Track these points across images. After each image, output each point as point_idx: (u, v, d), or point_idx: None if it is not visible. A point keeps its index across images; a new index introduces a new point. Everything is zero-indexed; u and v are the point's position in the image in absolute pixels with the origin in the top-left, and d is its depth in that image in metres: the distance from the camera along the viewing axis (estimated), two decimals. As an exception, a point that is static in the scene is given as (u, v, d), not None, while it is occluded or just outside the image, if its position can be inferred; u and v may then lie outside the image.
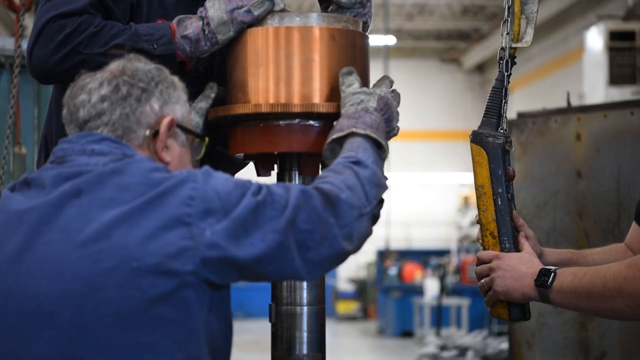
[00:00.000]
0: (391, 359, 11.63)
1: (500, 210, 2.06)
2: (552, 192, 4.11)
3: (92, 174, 1.64)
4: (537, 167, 4.16)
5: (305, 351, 2.07)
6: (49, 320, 1.57)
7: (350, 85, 1.98)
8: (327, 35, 2.04)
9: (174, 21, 2.10)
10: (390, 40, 15.73)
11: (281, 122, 2.03)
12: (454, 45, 18.73)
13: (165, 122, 1.72)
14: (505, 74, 2.11)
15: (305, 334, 2.07)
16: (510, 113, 5.60)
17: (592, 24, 9.28)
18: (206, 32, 2.06)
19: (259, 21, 2.05)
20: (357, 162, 1.84)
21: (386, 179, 1.91)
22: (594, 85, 9.04)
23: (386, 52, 14.67)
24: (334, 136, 1.91)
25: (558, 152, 4.10)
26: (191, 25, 2.08)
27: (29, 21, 5.30)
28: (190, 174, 1.65)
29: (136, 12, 2.17)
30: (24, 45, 4.06)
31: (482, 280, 2.05)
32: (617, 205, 3.85)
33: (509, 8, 2.10)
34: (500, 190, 2.06)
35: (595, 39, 8.99)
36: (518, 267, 2.01)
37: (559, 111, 4.18)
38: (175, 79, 1.79)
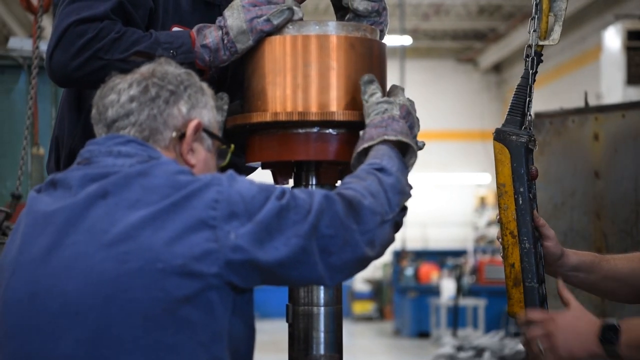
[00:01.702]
0: (407, 360, 11.61)
1: (521, 209, 2.03)
2: (570, 192, 4.09)
3: (118, 175, 1.66)
4: (555, 167, 4.14)
5: (322, 351, 2.07)
6: (75, 319, 1.59)
7: (373, 94, 1.98)
8: (346, 44, 2.04)
9: (194, 30, 2.10)
10: (407, 40, 15.70)
11: (299, 131, 2.03)
12: (470, 45, 18.67)
13: (192, 125, 1.74)
14: (531, 71, 2.08)
15: (322, 334, 2.07)
16: (528, 113, 5.50)
17: (610, 23, 9.23)
18: (225, 41, 2.06)
19: (277, 30, 2.06)
20: (381, 169, 1.84)
21: (411, 187, 1.91)
22: (611, 84, 8.99)
23: (402, 53, 14.64)
24: (365, 145, 1.92)
25: (575, 152, 4.08)
26: (210, 35, 2.08)
27: (46, 22, 5.34)
28: (215, 178, 1.66)
29: (152, 18, 2.18)
30: (42, 46, 4.09)
31: (540, 346, 1.95)
32: (635, 205, 3.82)
33: (537, 5, 2.07)
34: (522, 189, 2.03)
35: (612, 39, 8.94)
36: (577, 326, 1.94)
37: (576, 111, 4.15)
38: (204, 84, 1.81)
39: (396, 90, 2.04)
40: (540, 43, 2.08)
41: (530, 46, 2.09)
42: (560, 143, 4.13)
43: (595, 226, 3.99)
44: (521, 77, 2.11)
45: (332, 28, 2.05)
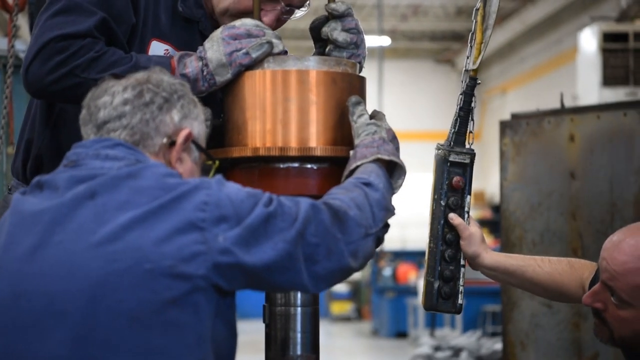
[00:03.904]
0: (385, 360, 11.63)
1: (433, 214, 2.28)
2: (546, 192, 4.12)
3: (106, 176, 1.66)
4: (531, 168, 4.17)
5: (299, 352, 2.07)
6: (61, 319, 1.58)
7: (361, 115, 2.01)
8: (327, 79, 2.05)
9: (175, 57, 2.09)
10: (385, 41, 15.74)
11: (280, 165, 2.04)
12: (449, 46, 18.75)
13: (183, 134, 1.75)
14: (459, 95, 2.27)
15: (299, 335, 2.07)
16: (505, 114, 5.59)
17: (586, 25, 9.30)
18: (205, 72, 2.06)
19: (258, 63, 2.05)
20: (368, 184, 1.88)
21: (394, 207, 1.96)
22: (587, 86, 9.06)
23: (381, 53, 14.68)
24: (358, 163, 1.94)
25: (552, 153, 4.11)
26: (191, 64, 2.07)
27: (22, 21, 5.29)
28: (204, 181, 1.67)
29: (132, 31, 2.17)
30: (18, 45, 4.05)
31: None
32: (611, 206, 3.86)
33: (472, 35, 2.24)
34: (435, 197, 2.28)
35: (588, 40, 9.01)
36: None
37: (552, 112, 4.19)
38: (196, 98, 1.82)
39: (379, 114, 2.07)
40: (469, 68, 2.26)
41: (467, 71, 2.27)
42: (537, 144, 4.16)
43: (572, 226, 4.02)
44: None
45: (313, 63, 2.05)
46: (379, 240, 1.88)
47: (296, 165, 2.04)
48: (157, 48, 2.20)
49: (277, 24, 2.23)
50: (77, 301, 1.58)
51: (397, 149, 2.03)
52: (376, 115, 2.06)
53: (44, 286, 1.60)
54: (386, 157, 1.95)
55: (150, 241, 1.59)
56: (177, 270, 1.59)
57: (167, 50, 2.21)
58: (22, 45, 4.50)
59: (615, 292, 2.10)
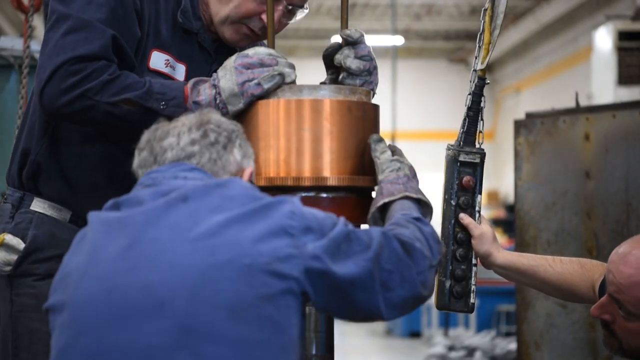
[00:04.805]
0: (399, 360, 11.62)
1: (444, 214, 2.29)
2: (561, 192, 4.11)
3: (197, 184, 1.70)
4: (546, 167, 4.16)
5: (314, 351, 2.07)
6: (160, 310, 1.60)
7: (384, 152, 2.04)
8: (343, 108, 2.05)
9: (189, 84, 2.11)
10: (398, 40, 15.71)
11: (297, 195, 2.03)
12: (462, 46, 18.71)
13: (248, 172, 1.81)
14: (467, 95, 2.29)
15: (313, 335, 2.08)
16: (519, 113, 5.56)
17: (601, 23, 9.25)
18: (217, 101, 2.07)
19: (272, 92, 2.06)
20: (417, 219, 1.91)
21: None
22: (602, 85, 9.01)
23: (394, 53, 14.65)
24: (386, 200, 1.97)
25: (566, 152, 4.09)
26: (204, 92, 2.08)
27: (37, 22, 5.32)
28: (286, 197, 1.72)
29: (137, 43, 2.19)
30: (33, 45, 4.07)
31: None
32: (626, 205, 3.84)
33: (480, 35, 2.27)
34: (446, 196, 2.29)
35: (604, 39, 8.96)
36: None
37: (567, 111, 4.17)
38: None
39: (398, 150, 2.09)
40: (478, 68, 2.29)
41: (475, 71, 2.31)
42: (551, 143, 4.14)
43: (586, 226, 4.00)
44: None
45: (328, 92, 2.06)
46: (436, 272, 1.92)
47: (311, 194, 2.04)
48: (158, 58, 2.22)
49: (279, 26, 2.23)
50: (178, 291, 1.60)
51: (418, 184, 2.06)
52: (396, 151, 2.09)
53: (140, 279, 1.62)
54: (414, 195, 1.98)
55: (247, 239, 1.63)
56: (273, 267, 1.62)
57: (168, 60, 2.23)
58: (38, 45, 4.52)
59: (622, 304, 2.09)
